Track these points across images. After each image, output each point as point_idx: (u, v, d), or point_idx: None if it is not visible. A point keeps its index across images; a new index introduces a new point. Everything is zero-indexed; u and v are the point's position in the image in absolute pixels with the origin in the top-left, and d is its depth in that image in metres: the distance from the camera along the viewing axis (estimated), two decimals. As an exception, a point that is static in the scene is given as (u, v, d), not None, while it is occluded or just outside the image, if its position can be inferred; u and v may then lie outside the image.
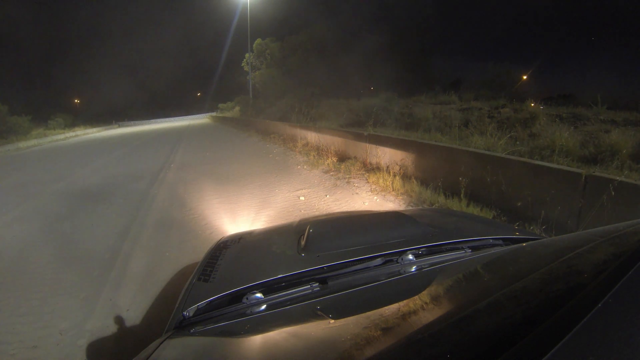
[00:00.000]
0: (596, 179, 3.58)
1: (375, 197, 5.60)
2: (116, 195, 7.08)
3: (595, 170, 4.08)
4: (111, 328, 2.74)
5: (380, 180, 6.10)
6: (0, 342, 2.67)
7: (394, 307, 0.93)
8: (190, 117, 61.13)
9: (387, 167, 6.62)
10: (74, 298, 3.24)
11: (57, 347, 2.55)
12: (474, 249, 1.42)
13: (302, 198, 5.80)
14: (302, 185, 6.73)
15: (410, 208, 4.79)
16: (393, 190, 5.68)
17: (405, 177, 5.96)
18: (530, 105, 14.33)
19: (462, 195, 4.64)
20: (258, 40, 40.70)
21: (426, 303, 0.89)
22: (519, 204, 4.09)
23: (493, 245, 1.46)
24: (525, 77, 33.93)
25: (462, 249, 1.42)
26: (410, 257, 1.34)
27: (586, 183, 3.63)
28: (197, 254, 3.59)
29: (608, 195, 3.34)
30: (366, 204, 5.36)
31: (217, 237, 4.29)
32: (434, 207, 4.69)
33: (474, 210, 4.38)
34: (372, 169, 7.17)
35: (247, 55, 39.44)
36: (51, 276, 3.70)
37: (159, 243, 4.35)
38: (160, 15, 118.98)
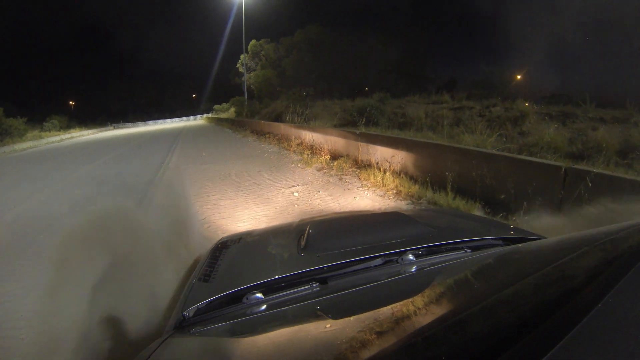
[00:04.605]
0: (575, 171, 3.73)
1: (366, 192, 5.76)
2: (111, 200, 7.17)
3: (576, 164, 4.24)
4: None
5: (371, 177, 6.26)
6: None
7: (394, 307, 0.93)
8: (185, 118, 61.01)
9: (378, 164, 6.77)
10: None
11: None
12: (474, 249, 1.43)
13: (296, 194, 5.95)
14: (297, 182, 6.89)
15: (409, 207, 4.92)
16: (383, 185, 5.84)
17: (395, 173, 6.12)
18: (523, 104, 14.53)
19: (448, 189, 4.79)
20: (253, 42, 40.85)
21: (425, 304, 0.90)
22: (503, 196, 4.25)
23: (493, 246, 1.47)
24: (518, 77, 34.23)
25: (462, 249, 1.43)
26: (410, 257, 1.34)
27: (566, 175, 3.78)
28: (196, 252, 3.69)
29: (585, 186, 3.50)
30: (357, 198, 5.51)
31: (214, 232, 4.43)
32: (430, 206, 4.75)
33: (460, 202, 4.54)
34: (363, 166, 7.33)
35: (242, 56, 39.55)
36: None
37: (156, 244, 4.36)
38: (155, 17, 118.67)
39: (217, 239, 2.11)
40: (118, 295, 2.27)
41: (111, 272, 2.51)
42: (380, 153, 6.91)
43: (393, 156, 6.42)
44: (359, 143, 7.84)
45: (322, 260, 1.36)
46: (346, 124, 14.83)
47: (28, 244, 4.47)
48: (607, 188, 3.42)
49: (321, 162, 8.39)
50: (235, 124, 25.93)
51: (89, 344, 2.03)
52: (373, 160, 7.08)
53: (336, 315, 1.01)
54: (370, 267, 1.34)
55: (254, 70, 40.76)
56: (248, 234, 2.11)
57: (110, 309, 2.17)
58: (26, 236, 4.78)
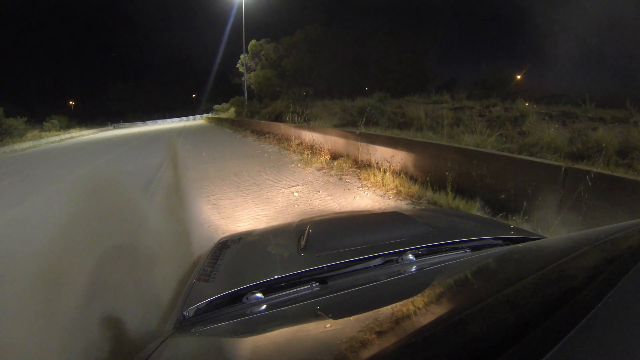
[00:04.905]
0: (575, 171, 3.74)
1: (366, 192, 5.77)
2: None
3: (576, 164, 4.25)
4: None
5: (371, 177, 6.27)
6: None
7: (394, 307, 0.93)
8: (185, 118, 60.95)
9: (378, 163, 6.78)
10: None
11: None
12: (474, 249, 1.42)
13: (296, 194, 5.96)
14: (296, 182, 6.90)
15: (409, 207, 4.93)
16: (383, 185, 5.85)
17: (395, 173, 6.13)
18: (523, 104, 14.53)
19: (448, 189, 4.80)
20: (253, 42, 40.87)
21: (425, 304, 0.89)
22: (503, 196, 4.26)
23: (493, 245, 1.46)
24: (519, 77, 34.24)
25: (462, 249, 1.42)
26: (410, 257, 1.34)
27: (566, 175, 3.79)
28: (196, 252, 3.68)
29: (585, 185, 3.50)
30: (357, 198, 5.52)
31: (214, 232, 4.43)
32: (430, 206, 4.75)
33: (460, 202, 4.54)
34: (363, 166, 7.34)
35: (242, 56, 39.55)
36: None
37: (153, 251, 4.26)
38: (156, 17, 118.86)
39: (217, 239, 2.11)
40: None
41: (109, 280, 2.53)
42: (380, 153, 6.91)
43: (393, 156, 6.43)
44: (359, 143, 7.84)
45: (322, 260, 1.35)
46: (346, 124, 14.85)
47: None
48: (607, 188, 3.43)
49: (321, 162, 8.41)
50: (235, 124, 25.95)
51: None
52: (373, 160, 7.08)
53: (336, 315, 1.01)
54: (370, 267, 1.33)
55: (254, 70, 40.76)
56: (248, 234, 2.10)
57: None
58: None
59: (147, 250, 3.08)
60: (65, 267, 2.61)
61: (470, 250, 1.41)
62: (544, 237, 1.51)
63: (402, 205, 5.05)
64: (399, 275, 1.26)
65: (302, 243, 1.53)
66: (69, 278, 2.53)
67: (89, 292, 2.38)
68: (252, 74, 40.25)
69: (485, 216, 4.03)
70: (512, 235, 1.56)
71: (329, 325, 0.93)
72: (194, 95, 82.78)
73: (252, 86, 39.49)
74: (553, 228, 3.64)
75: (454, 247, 1.43)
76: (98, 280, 2.46)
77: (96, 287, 2.42)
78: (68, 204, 6.31)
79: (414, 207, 4.80)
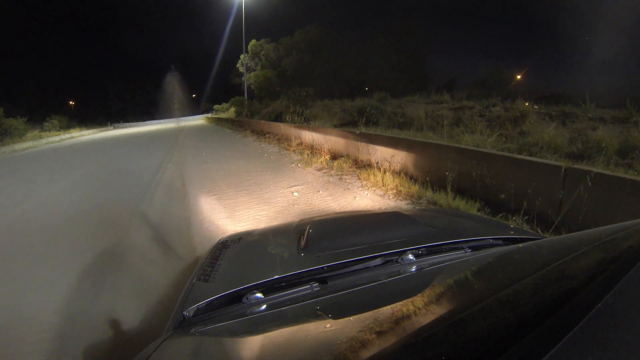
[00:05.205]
0: (575, 171, 3.74)
1: (366, 192, 5.77)
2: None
3: (576, 164, 4.25)
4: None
5: (371, 177, 6.27)
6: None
7: (394, 307, 0.93)
8: (185, 118, 60.79)
9: (378, 163, 6.79)
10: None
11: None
12: (474, 249, 1.42)
13: (296, 194, 5.96)
14: (297, 182, 6.90)
15: (409, 207, 4.92)
16: (383, 185, 5.85)
17: (395, 173, 6.14)
18: (523, 103, 14.48)
19: (448, 189, 4.80)
20: (253, 42, 40.88)
21: (425, 304, 0.89)
22: (503, 196, 4.26)
23: (493, 246, 1.46)
24: (519, 77, 34.24)
25: (462, 249, 1.42)
26: (410, 257, 1.34)
27: (566, 175, 3.79)
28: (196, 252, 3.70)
29: (585, 186, 3.50)
30: (357, 198, 5.52)
31: (214, 232, 4.43)
32: (430, 206, 4.75)
33: (460, 202, 4.54)
34: (363, 166, 7.35)
35: (242, 56, 39.51)
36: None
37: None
38: (155, 17, 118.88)
39: (217, 239, 2.11)
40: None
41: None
42: (380, 153, 6.92)
43: (393, 156, 6.43)
44: (359, 143, 7.84)
45: (322, 260, 1.35)
46: (346, 124, 14.82)
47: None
48: (607, 188, 3.43)
49: (321, 162, 8.41)
50: (235, 124, 25.95)
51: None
52: (373, 160, 7.08)
53: (336, 315, 1.00)
54: (370, 267, 1.33)
55: (254, 70, 40.78)
56: (248, 234, 2.10)
57: None
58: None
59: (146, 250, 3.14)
60: None
61: (470, 250, 1.41)
62: (544, 237, 1.51)
63: (402, 205, 5.05)
64: (399, 275, 1.26)
65: (302, 243, 1.52)
66: None
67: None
68: (252, 74, 40.25)
69: (485, 216, 4.03)
70: (512, 235, 1.55)
71: (329, 325, 0.92)
72: (194, 95, 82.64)
73: (252, 86, 39.48)
74: (553, 228, 3.64)
75: (454, 247, 1.42)
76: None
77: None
78: (67, 204, 6.34)
79: (414, 207, 4.80)
